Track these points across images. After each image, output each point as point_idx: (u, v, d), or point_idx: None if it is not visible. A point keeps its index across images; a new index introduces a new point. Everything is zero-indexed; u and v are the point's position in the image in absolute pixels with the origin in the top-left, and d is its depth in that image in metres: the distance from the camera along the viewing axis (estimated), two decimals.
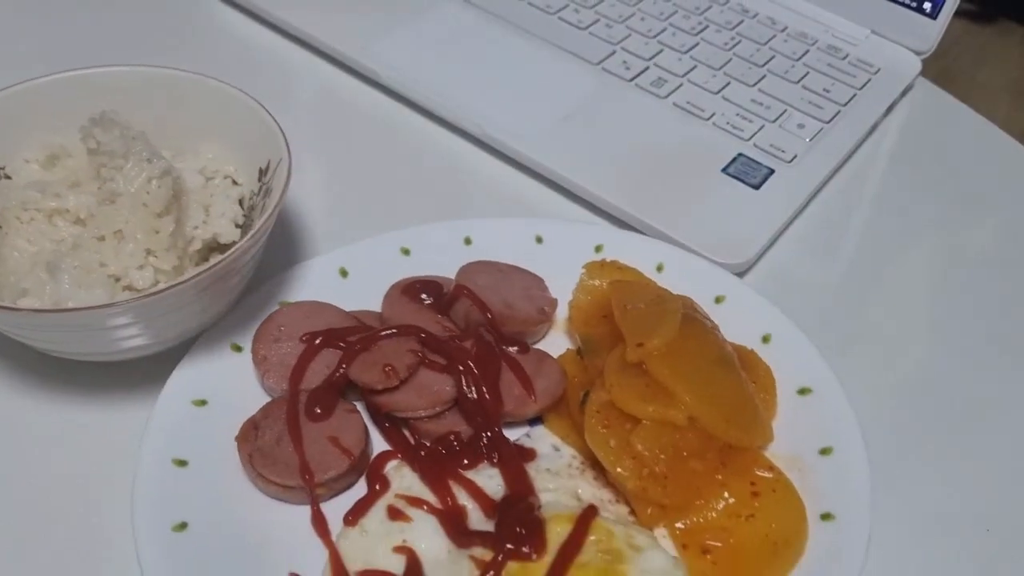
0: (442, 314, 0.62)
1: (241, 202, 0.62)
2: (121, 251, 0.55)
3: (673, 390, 0.53)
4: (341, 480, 0.53)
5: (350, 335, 0.59)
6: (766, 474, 0.53)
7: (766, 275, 0.71)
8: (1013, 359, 0.67)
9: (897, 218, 0.78)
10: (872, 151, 0.84)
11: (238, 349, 0.59)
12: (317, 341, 0.58)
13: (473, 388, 0.56)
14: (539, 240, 0.69)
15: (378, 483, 0.54)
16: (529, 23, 0.91)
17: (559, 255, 0.67)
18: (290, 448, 0.53)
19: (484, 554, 0.49)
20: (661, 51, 0.88)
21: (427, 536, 0.51)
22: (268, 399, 0.57)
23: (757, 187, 0.75)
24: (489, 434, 0.55)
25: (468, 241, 0.68)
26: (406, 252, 0.67)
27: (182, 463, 0.53)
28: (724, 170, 0.77)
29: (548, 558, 0.47)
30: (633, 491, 0.51)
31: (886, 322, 0.69)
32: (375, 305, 0.64)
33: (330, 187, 0.77)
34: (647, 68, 0.86)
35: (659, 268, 0.66)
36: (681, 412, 0.52)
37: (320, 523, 0.52)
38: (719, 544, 0.50)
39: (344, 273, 0.65)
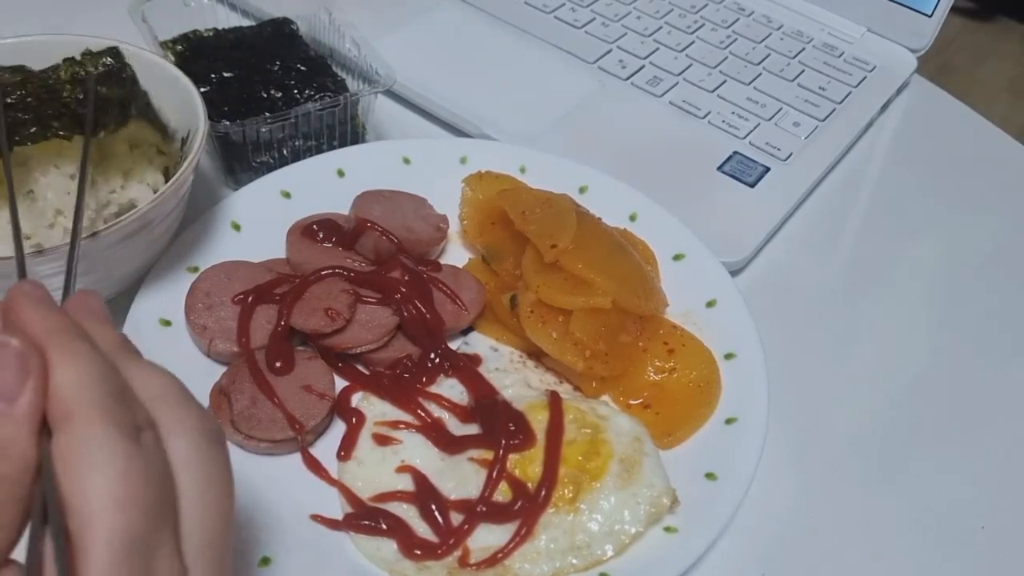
0: (348, 249, 0.66)
1: (167, 171, 0.61)
2: (31, 210, 0.56)
3: (591, 280, 0.61)
4: (323, 422, 0.57)
5: (277, 287, 0.61)
6: (673, 332, 0.63)
7: (762, 273, 0.72)
8: (1010, 355, 0.69)
9: (893, 216, 0.78)
10: (868, 149, 0.85)
11: (167, 323, 0.60)
12: (250, 299, 0.60)
13: (415, 312, 0.61)
14: (407, 161, 0.73)
15: (353, 417, 0.58)
16: (525, 22, 0.90)
17: (428, 172, 0.72)
18: (269, 405, 0.55)
19: (482, 454, 0.55)
20: (657, 49, 0.89)
21: (420, 452, 0.56)
22: (212, 366, 0.59)
23: (752, 185, 0.76)
24: (438, 350, 0.61)
25: (341, 173, 0.71)
26: (287, 195, 0.69)
27: None
28: (719, 168, 0.78)
29: (540, 444, 0.55)
30: (582, 371, 0.59)
31: (881, 320, 0.70)
32: (275, 253, 0.66)
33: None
34: (643, 67, 0.87)
35: (522, 170, 0.73)
36: (604, 297, 0.60)
37: (315, 466, 0.56)
38: (656, 398, 0.60)
39: (237, 227, 0.66)
